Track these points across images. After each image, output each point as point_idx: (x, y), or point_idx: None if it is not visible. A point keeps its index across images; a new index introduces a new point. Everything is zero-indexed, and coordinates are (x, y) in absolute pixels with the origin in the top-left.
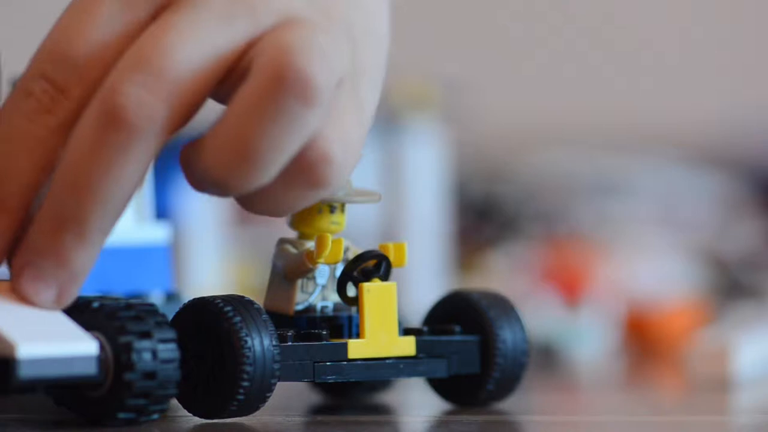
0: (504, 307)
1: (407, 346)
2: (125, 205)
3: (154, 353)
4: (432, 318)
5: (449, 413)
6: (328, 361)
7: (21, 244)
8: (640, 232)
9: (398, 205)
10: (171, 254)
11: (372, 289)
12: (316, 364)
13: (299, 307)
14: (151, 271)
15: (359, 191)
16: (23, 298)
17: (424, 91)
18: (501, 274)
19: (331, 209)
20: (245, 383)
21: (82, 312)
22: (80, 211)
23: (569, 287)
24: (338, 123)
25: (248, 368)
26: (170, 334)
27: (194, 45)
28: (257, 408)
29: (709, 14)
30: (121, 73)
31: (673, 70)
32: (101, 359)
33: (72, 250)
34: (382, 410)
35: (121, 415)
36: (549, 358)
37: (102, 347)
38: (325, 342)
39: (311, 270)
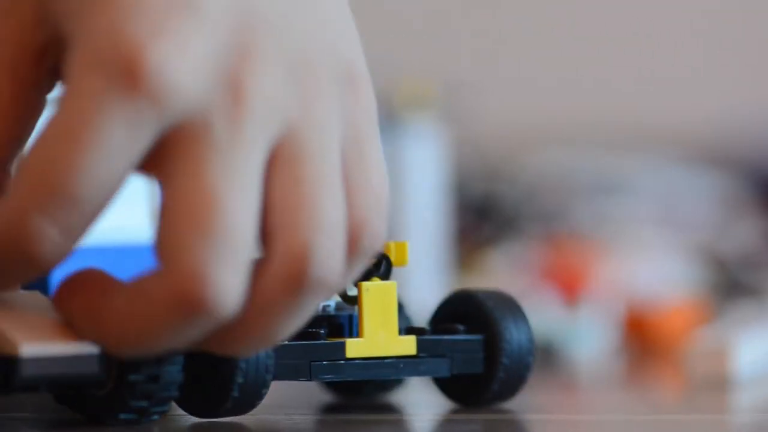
0: (509, 306)
1: (407, 346)
2: None
3: (159, 356)
4: (437, 318)
5: (453, 412)
6: (326, 360)
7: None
8: (640, 232)
9: (398, 204)
10: None
11: (371, 288)
12: (312, 363)
13: None
14: None
15: None
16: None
17: (424, 90)
18: (500, 274)
19: None
20: (240, 383)
21: None
22: None
23: (569, 286)
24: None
25: (242, 368)
26: None
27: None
28: (252, 408)
29: (709, 14)
30: (197, 254)
31: (673, 69)
32: (104, 358)
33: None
34: (390, 409)
35: (122, 416)
36: (548, 357)
37: None
38: (322, 341)
39: None
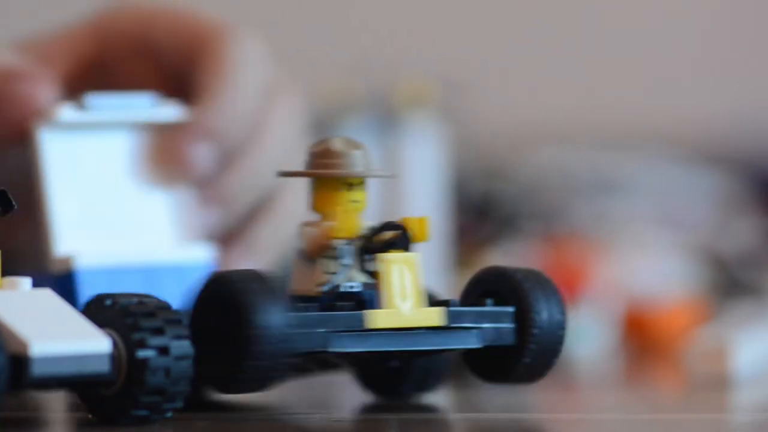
0: (539, 279)
1: (433, 317)
2: None
3: (168, 350)
4: (467, 295)
5: (447, 413)
6: (345, 331)
7: None
8: (639, 231)
9: (397, 203)
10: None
11: (391, 259)
12: (331, 333)
13: (325, 288)
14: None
15: (375, 169)
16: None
17: (423, 89)
18: None
19: (349, 187)
20: (257, 349)
21: (94, 310)
22: None
23: (568, 285)
24: None
25: (261, 334)
26: (184, 330)
27: None
28: (271, 379)
29: (708, 12)
30: None
31: (672, 68)
32: (114, 357)
33: None
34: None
35: (135, 413)
36: None
37: (115, 345)
38: (343, 312)
39: (329, 244)
